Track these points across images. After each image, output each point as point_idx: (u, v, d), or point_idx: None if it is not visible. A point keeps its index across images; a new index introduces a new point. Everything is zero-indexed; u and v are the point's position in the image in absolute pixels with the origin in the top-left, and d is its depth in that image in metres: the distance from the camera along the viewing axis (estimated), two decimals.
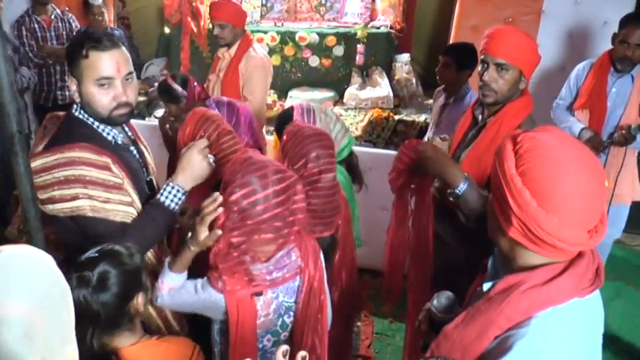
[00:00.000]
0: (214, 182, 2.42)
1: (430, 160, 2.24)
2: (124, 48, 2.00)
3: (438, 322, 1.66)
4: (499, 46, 2.32)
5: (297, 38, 5.53)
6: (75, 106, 2.05)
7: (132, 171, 2.07)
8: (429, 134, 4.08)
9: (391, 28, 5.56)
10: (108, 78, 1.94)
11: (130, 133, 2.23)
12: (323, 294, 2.04)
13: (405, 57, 5.41)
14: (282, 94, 5.47)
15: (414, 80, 5.28)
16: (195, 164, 2.07)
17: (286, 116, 2.61)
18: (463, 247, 2.47)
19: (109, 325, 1.68)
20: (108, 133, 2.07)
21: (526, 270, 1.29)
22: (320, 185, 2.15)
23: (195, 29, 5.70)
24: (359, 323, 3.77)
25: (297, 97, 5.27)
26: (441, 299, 1.70)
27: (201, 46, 5.78)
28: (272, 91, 5.52)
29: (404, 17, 5.69)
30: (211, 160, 2.09)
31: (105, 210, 1.95)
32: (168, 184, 2.06)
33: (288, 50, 5.59)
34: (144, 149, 2.29)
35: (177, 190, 2.05)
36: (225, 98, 3.12)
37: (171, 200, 2.04)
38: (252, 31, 5.61)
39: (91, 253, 1.72)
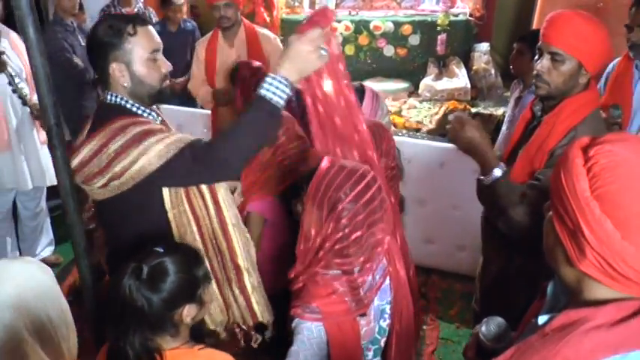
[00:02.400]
0: (281, 189, 2.35)
1: (465, 138, 2.05)
2: None
3: (486, 349, 1.50)
4: (555, 33, 2.06)
5: (371, 27, 5.39)
6: (109, 96, 1.96)
7: None
8: (503, 128, 3.85)
9: (470, 15, 5.32)
10: (157, 50, 1.94)
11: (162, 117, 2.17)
12: (406, 287, 2.00)
13: (484, 46, 5.17)
14: None
15: (493, 71, 5.02)
16: (303, 54, 1.77)
17: (359, 94, 2.48)
18: (515, 257, 2.28)
19: (150, 325, 1.62)
20: (149, 114, 2.00)
21: (591, 304, 1.09)
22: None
23: (267, 19, 5.63)
24: (424, 327, 3.61)
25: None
26: (490, 326, 1.51)
27: None
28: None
29: (484, 4, 5.44)
30: (324, 53, 1.78)
31: (167, 148, 1.84)
32: (268, 76, 1.80)
33: (362, 39, 5.46)
34: None
35: (280, 81, 1.77)
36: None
37: (273, 93, 1.77)
38: None
39: (159, 247, 1.66)
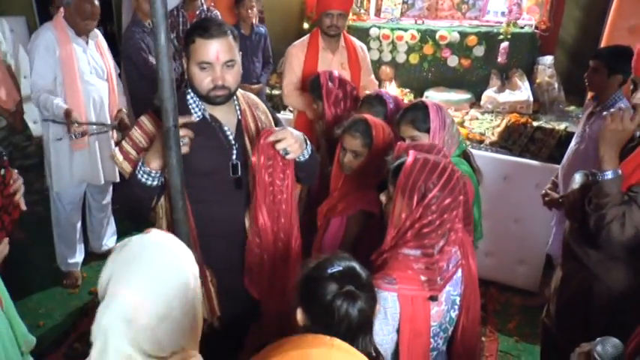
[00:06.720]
0: (378, 183, 2.45)
1: (607, 132, 2.13)
2: (230, 38, 2.19)
3: None
4: None
5: (437, 37, 5.40)
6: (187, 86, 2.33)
7: (199, 148, 2.21)
8: (572, 143, 3.83)
9: (536, 27, 5.29)
10: (207, 63, 2.17)
11: (240, 117, 2.40)
12: (476, 283, 2.13)
13: (548, 59, 5.12)
14: (418, 94, 5.38)
15: (556, 85, 4.98)
16: (158, 144, 2.08)
17: (423, 110, 2.63)
18: (611, 274, 2.28)
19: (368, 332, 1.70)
20: (196, 112, 2.31)
21: None
22: None
23: None
24: (483, 338, 3.64)
25: (434, 98, 5.10)
26: (606, 347, 1.49)
27: None
28: (408, 90, 5.46)
29: (550, 16, 5.38)
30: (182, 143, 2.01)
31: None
32: (141, 162, 2.16)
33: (427, 49, 5.48)
34: (248, 138, 2.41)
35: (142, 163, 2.13)
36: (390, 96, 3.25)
37: (138, 172, 2.13)
38: (392, 29, 5.57)
39: (337, 267, 1.68)
